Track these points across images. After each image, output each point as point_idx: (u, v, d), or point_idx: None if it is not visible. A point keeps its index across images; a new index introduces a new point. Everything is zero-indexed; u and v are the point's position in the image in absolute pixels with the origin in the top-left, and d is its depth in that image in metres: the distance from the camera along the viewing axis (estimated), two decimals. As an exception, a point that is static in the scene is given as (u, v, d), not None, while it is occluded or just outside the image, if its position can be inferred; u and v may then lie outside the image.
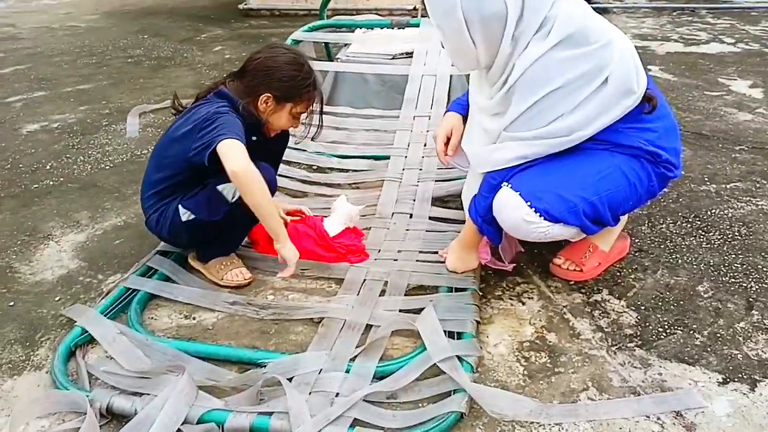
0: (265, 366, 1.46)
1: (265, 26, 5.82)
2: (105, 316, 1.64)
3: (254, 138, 1.77)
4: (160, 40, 5.21)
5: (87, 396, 1.37)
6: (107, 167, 2.71)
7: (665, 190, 2.37)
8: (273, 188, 1.87)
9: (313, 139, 1.96)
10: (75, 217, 2.29)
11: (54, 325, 1.69)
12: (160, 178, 1.78)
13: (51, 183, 2.56)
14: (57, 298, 1.81)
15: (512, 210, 1.59)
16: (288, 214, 2.03)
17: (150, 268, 1.85)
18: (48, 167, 2.71)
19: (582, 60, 1.48)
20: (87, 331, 1.58)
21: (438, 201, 2.27)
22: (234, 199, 1.71)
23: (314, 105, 1.83)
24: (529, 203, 1.56)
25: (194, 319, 1.70)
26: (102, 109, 3.47)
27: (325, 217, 2.02)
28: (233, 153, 1.60)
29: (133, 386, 1.41)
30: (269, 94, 1.74)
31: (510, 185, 1.60)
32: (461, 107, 1.86)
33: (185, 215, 1.74)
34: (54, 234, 2.17)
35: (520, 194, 1.58)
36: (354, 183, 2.42)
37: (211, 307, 1.72)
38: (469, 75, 1.80)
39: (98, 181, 2.58)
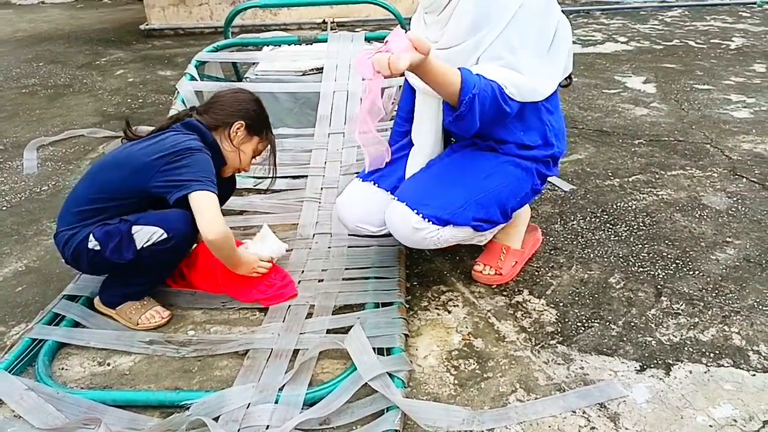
0: (189, 408, 1.39)
1: (170, 46, 5.64)
2: (10, 372, 1.51)
3: None
4: (57, 67, 4.94)
5: (-7, 463, 1.26)
6: (4, 208, 2.53)
7: (575, 188, 2.49)
8: (192, 242, 1.81)
9: (267, 188, 2.08)
10: (-30, 265, 2.12)
11: (-49, 388, 1.54)
12: (91, 199, 1.65)
13: (-60, 230, 2.36)
14: (-47, 358, 1.66)
15: (401, 220, 1.64)
16: None
17: (57, 315, 1.74)
18: (-64, 213, 2.49)
19: None
20: (-10, 391, 1.45)
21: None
22: (145, 245, 1.61)
23: (268, 149, 1.94)
24: (416, 211, 1.62)
25: (109, 365, 1.60)
26: (-5, 145, 3.24)
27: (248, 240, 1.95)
28: (209, 214, 1.60)
29: (45, 446, 1.32)
30: (242, 123, 1.80)
31: (396, 198, 1.67)
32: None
33: (92, 243, 1.63)
34: (-54, 286, 2.00)
35: (406, 204, 1.63)
36: (272, 205, 2.38)
37: (127, 349, 1.63)
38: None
39: (-6, 224, 2.40)
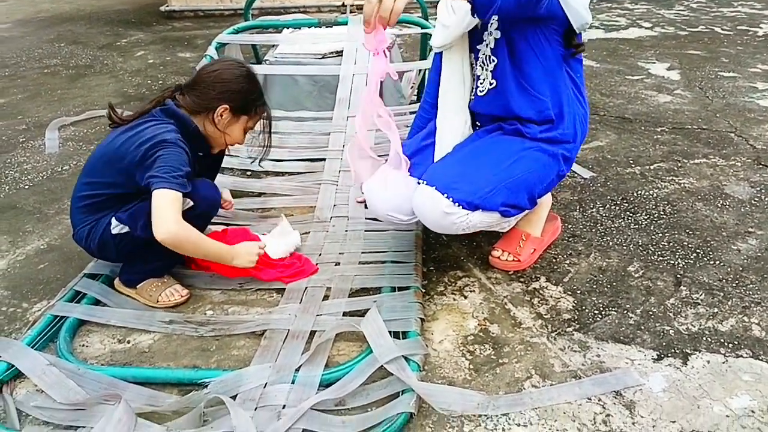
0: (207, 386, 1.42)
1: (189, 28, 5.65)
2: (32, 347, 1.55)
3: (200, 153, 1.76)
4: (78, 48, 4.97)
5: (17, 435, 1.29)
6: (26, 187, 2.57)
7: (595, 175, 2.47)
8: (216, 206, 1.86)
9: (261, 160, 2.02)
10: (-6, 242, 2.16)
11: (-24, 361, 1.58)
12: (95, 193, 1.68)
13: (-35, 208, 2.40)
14: (-22, 332, 1.70)
15: (431, 204, 1.62)
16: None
17: (78, 293, 1.76)
18: (-39, 191, 2.54)
19: None
20: (13, 366, 1.48)
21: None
22: None
23: (263, 122, 1.85)
24: (446, 195, 1.60)
25: (129, 342, 1.63)
26: (18, 124, 3.28)
27: (264, 235, 1.95)
28: (161, 214, 1.53)
29: (67, 420, 1.35)
30: (226, 106, 1.73)
31: (425, 182, 1.64)
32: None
33: (116, 228, 1.66)
34: (-29, 263, 2.04)
35: (436, 188, 1.61)
36: (290, 188, 2.38)
37: (147, 328, 1.65)
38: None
39: (17, 202, 2.44)
